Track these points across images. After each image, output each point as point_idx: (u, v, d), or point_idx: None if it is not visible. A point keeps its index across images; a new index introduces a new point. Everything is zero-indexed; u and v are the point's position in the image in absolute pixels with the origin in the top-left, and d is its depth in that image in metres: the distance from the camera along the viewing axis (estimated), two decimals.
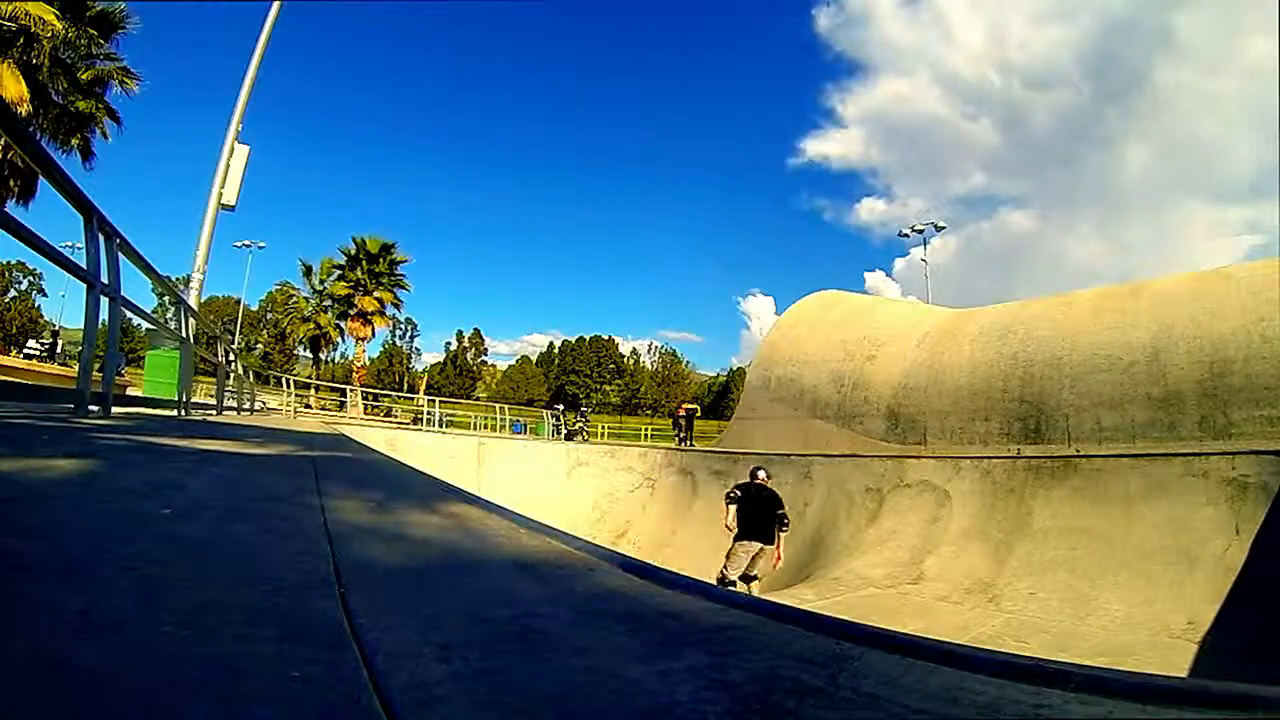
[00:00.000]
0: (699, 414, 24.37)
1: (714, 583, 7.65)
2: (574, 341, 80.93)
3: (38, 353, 29.09)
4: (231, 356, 10.92)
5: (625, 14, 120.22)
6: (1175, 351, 9.13)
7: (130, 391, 15.63)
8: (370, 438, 10.65)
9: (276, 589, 1.02)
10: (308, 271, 29.71)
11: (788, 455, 11.46)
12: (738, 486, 8.14)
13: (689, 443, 19.30)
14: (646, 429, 35.60)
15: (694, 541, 11.49)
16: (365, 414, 23.51)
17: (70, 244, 12.11)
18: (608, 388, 77.23)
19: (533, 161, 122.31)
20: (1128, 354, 9.57)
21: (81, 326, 4.05)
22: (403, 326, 73.41)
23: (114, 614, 0.81)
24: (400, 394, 50.26)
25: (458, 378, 74.14)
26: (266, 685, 0.68)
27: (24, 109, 13.85)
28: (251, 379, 14.75)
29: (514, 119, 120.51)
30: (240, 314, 53.40)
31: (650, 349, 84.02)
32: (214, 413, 8.45)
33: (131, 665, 0.69)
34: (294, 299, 30.78)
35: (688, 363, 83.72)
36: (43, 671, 0.63)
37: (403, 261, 29.06)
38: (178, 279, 24.23)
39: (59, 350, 29.47)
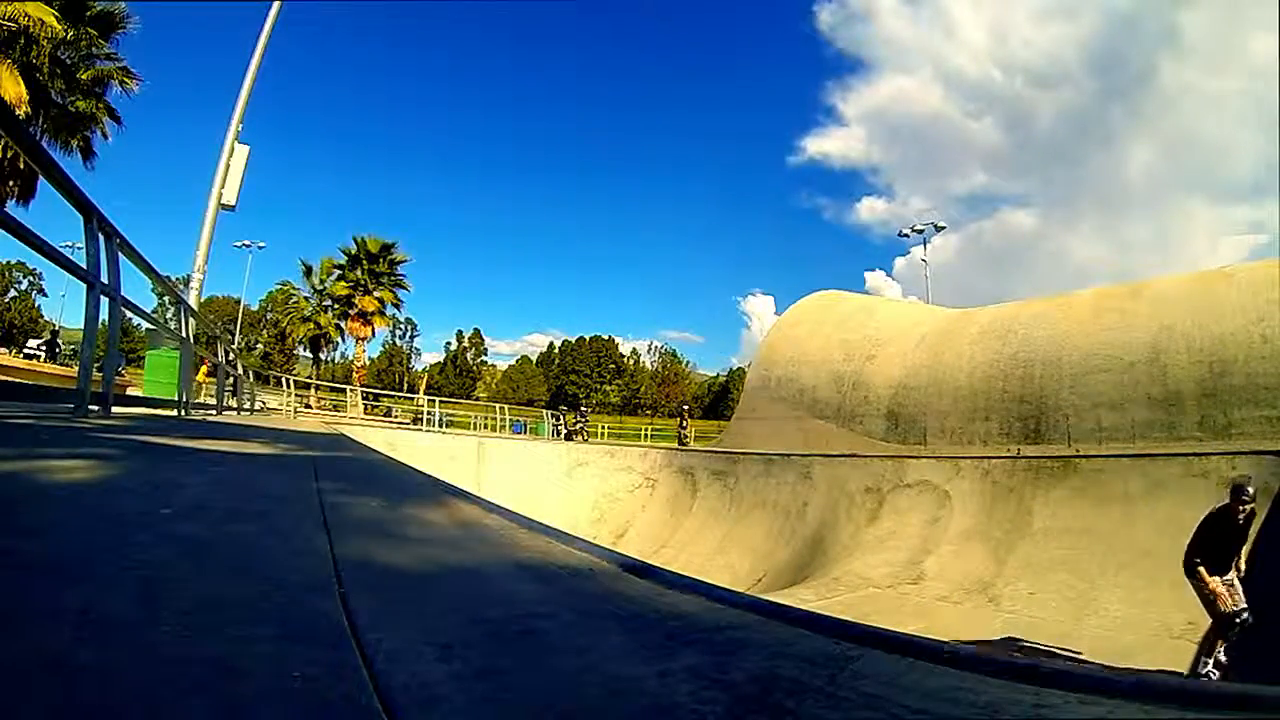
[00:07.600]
0: (696, 413, 24.42)
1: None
2: (574, 341, 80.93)
3: (36, 352, 29.09)
4: (231, 356, 10.92)
5: (625, 13, 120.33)
6: (1175, 351, 9.12)
7: (130, 391, 15.63)
8: (370, 438, 10.65)
9: (276, 589, 1.02)
10: (308, 271, 29.66)
11: (788, 455, 11.47)
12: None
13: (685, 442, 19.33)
14: (646, 429, 35.61)
15: (694, 541, 11.50)
16: (365, 414, 23.47)
17: (70, 244, 12.09)
18: (608, 388, 77.18)
19: (532, 161, 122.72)
20: (1128, 354, 9.56)
21: (81, 326, 4.05)
22: (403, 326, 73.49)
23: (114, 614, 0.81)
24: (400, 394, 50.21)
25: (458, 378, 74.13)
26: (266, 685, 0.68)
27: (23, 110, 13.82)
28: (251, 379, 14.74)
29: (514, 119, 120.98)
30: (240, 314, 53.41)
31: (650, 349, 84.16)
32: (214, 413, 8.44)
33: (131, 665, 0.68)
34: (294, 299, 30.74)
35: (688, 363, 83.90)
36: (43, 671, 0.63)
37: (403, 261, 29.07)
38: (178, 279, 24.29)
39: (58, 350, 29.41)
